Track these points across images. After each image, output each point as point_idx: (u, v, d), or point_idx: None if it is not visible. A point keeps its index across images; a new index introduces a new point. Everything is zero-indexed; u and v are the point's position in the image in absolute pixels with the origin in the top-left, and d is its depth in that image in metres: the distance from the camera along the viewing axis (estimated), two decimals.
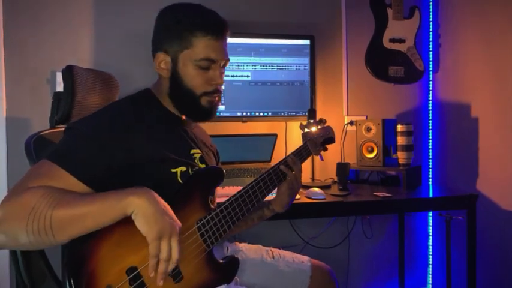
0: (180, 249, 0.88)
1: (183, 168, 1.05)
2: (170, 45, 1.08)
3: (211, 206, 1.07)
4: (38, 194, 0.83)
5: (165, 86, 1.12)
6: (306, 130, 1.53)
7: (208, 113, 1.14)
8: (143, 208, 0.85)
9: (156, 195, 0.89)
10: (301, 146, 1.38)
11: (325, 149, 1.52)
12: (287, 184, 1.26)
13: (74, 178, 0.90)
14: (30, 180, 0.88)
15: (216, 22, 1.09)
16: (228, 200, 1.10)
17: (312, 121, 1.62)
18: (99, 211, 0.84)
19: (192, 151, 1.14)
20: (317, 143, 1.45)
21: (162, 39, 1.10)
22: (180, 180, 1.04)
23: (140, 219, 0.85)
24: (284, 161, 1.27)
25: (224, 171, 1.11)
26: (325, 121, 1.55)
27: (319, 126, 1.52)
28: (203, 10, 1.11)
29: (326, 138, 1.49)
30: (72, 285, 0.82)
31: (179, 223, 0.91)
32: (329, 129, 1.52)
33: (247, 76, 2.06)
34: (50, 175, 0.89)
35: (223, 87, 1.18)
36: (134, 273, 0.88)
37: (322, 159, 1.56)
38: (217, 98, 1.14)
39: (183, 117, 1.17)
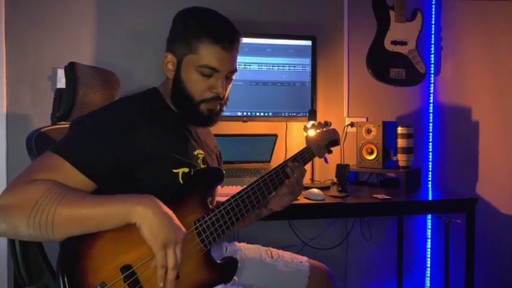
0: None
1: (185, 170, 1.05)
2: (177, 48, 1.08)
3: (210, 206, 1.07)
4: (43, 188, 0.84)
5: (170, 87, 1.12)
6: (310, 132, 1.51)
7: (206, 120, 1.13)
8: (149, 219, 0.86)
9: (160, 203, 0.90)
10: (305, 147, 1.37)
11: (330, 152, 1.48)
12: (287, 187, 1.27)
13: (77, 171, 0.90)
14: (35, 171, 0.88)
15: (226, 32, 1.06)
16: (227, 201, 1.10)
17: (316, 123, 1.59)
18: (103, 216, 0.85)
19: (196, 151, 1.13)
20: (321, 145, 1.43)
21: (172, 41, 1.10)
22: (182, 182, 1.04)
23: (145, 230, 0.86)
24: (287, 163, 1.27)
25: (224, 171, 1.11)
26: (330, 124, 1.52)
27: (324, 129, 1.50)
28: (216, 18, 1.09)
29: (331, 140, 1.46)
30: (66, 281, 0.82)
31: (183, 229, 0.92)
32: (334, 132, 1.48)
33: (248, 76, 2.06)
34: (54, 167, 0.89)
35: (227, 95, 1.15)
36: (129, 271, 0.88)
37: (327, 162, 1.52)
38: (218, 106, 1.13)
39: None
